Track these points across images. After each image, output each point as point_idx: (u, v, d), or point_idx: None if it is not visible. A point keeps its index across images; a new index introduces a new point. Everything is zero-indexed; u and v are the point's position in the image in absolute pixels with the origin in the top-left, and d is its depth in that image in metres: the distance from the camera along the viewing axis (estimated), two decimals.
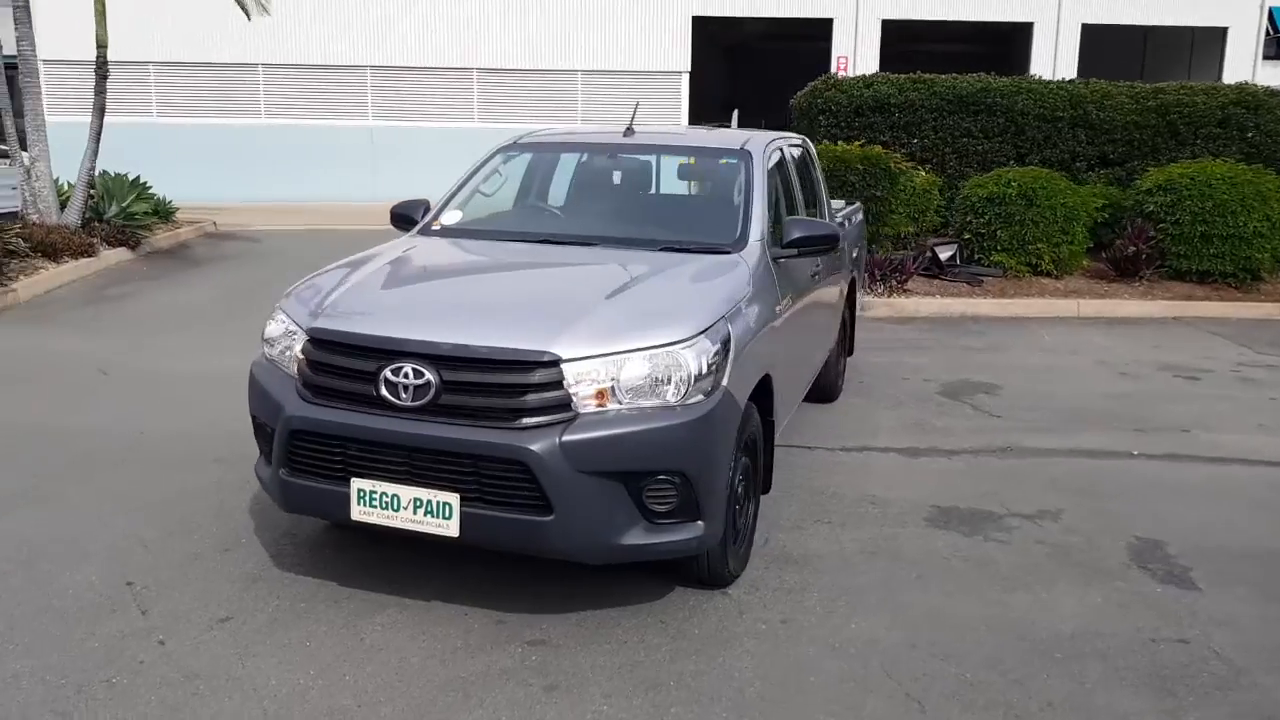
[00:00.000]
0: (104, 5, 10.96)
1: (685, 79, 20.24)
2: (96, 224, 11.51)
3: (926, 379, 7.58)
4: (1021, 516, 4.89)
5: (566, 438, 3.19)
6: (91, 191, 11.66)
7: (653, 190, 5.12)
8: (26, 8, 10.68)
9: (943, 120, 12.92)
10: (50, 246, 10.22)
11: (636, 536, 3.34)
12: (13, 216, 9.25)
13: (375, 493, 3.35)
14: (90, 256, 10.70)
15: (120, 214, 11.80)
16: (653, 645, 3.48)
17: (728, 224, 4.41)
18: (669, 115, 19.85)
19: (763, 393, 4.13)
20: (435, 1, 19.18)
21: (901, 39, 21.61)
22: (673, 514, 3.39)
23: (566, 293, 3.72)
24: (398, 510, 3.33)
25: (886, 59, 19.83)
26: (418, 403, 3.28)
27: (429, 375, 3.27)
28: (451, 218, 4.76)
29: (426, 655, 3.34)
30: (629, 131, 5.06)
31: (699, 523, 3.44)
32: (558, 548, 3.31)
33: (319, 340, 3.49)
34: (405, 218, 4.85)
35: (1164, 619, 3.86)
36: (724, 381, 3.49)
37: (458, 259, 4.31)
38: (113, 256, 11.21)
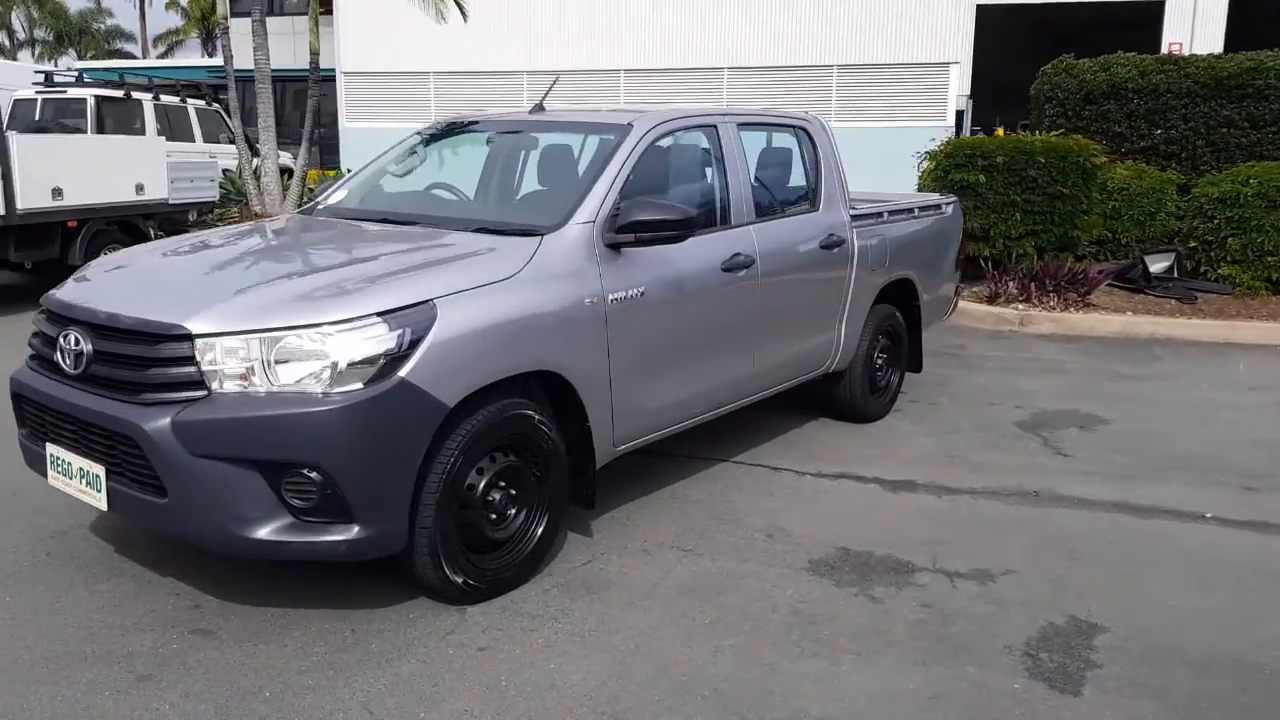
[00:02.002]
0: (317, 18, 12.16)
1: (954, 70, 18.73)
2: None
3: (1020, 405, 6.41)
4: (944, 574, 3.96)
5: (180, 417, 3.00)
6: (311, 187, 12.97)
7: (522, 170, 4.72)
8: (263, 23, 12.10)
9: (1195, 108, 10.92)
10: None
11: (273, 532, 3.05)
12: (210, 206, 10.49)
13: (59, 458, 3.36)
14: None
15: None
16: (309, 652, 3.18)
17: (560, 205, 3.95)
18: (931, 108, 18.52)
19: (558, 393, 3.69)
20: (673, 5, 19.28)
21: (1256, 20, 18.51)
22: (316, 512, 3.08)
23: (261, 269, 3.51)
24: (71, 478, 3.32)
25: (1235, 45, 17.06)
26: (76, 370, 3.25)
27: (84, 344, 3.23)
28: (335, 198, 4.69)
29: (85, 626, 3.29)
30: (538, 109, 4.72)
31: (353, 525, 3.10)
32: (183, 533, 3.13)
33: (42, 306, 3.59)
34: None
35: None
36: (401, 372, 3.11)
37: (253, 239, 4.20)
38: None
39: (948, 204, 6.64)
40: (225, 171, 12.66)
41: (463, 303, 3.30)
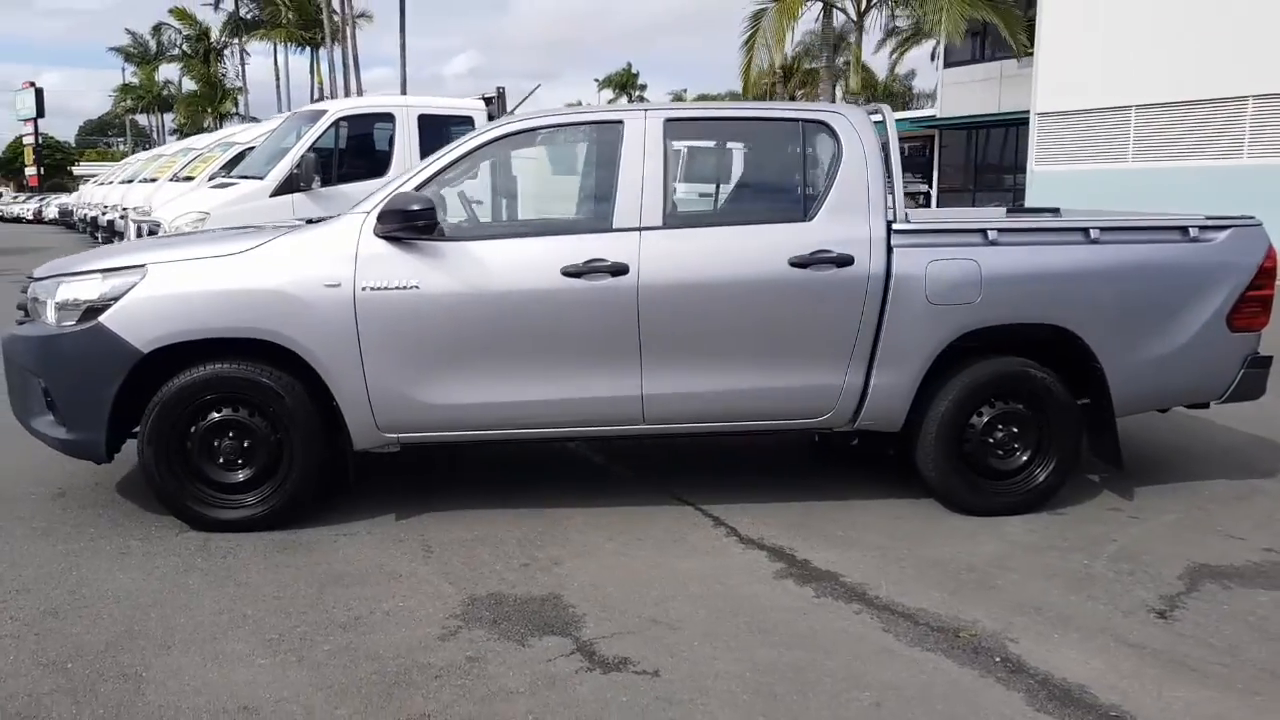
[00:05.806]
0: (860, 55, 12.16)
1: None
2: None
3: (1272, 549, 4.05)
4: (583, 651, 3.18)
5: (6, 333, 4.27)
6: None
7: None
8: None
9: None
10: None
11: (43, 424, 4.11)
12: None
13: None
14: None
15: None
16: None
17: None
18: None
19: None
20: None
21: None
22: (51, 411, 4.06)
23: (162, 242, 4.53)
24: None
25: None
26: None
27: None
28: None
29: None
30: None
31: (63, 428, 4.02)
32: (17, 418, 4.35)
33: None
34: None
35: None
36: (101, 317, 3.89)
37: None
38: None
39: (1217, 228, 4.44)
40: None
41: (176, 270, 3.98)
